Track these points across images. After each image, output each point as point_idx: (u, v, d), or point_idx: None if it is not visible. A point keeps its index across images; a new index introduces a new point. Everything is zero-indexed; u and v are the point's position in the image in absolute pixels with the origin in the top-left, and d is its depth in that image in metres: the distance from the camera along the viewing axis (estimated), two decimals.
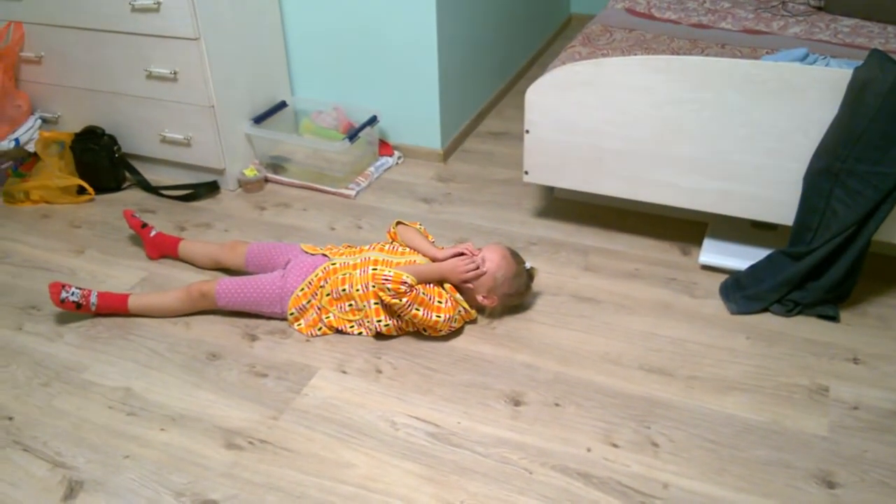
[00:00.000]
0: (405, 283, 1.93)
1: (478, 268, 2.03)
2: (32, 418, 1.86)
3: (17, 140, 2.81)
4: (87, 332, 2.14)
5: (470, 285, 2.05)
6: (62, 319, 2.19)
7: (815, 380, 1.89)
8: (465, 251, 2.08)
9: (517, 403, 1.85)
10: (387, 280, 1.92)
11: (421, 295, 1.97)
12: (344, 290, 2.04)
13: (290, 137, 2.93)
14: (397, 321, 2.03)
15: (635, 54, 2.39)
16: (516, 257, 2.10)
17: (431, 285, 2.03)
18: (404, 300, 1.94)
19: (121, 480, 1.69)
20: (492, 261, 2.05)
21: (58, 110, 2.96)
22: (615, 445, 1.73)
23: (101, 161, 2.79)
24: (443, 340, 2.06)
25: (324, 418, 1.83)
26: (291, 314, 2.10)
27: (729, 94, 2.01)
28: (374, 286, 1.99)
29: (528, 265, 2.12)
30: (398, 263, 2.04)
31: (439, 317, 1.99)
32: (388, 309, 2.01)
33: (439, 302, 2.01)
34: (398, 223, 2.20)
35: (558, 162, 2.31)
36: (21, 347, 2.10)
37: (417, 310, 1.97)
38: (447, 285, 2.05)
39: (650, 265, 2.33)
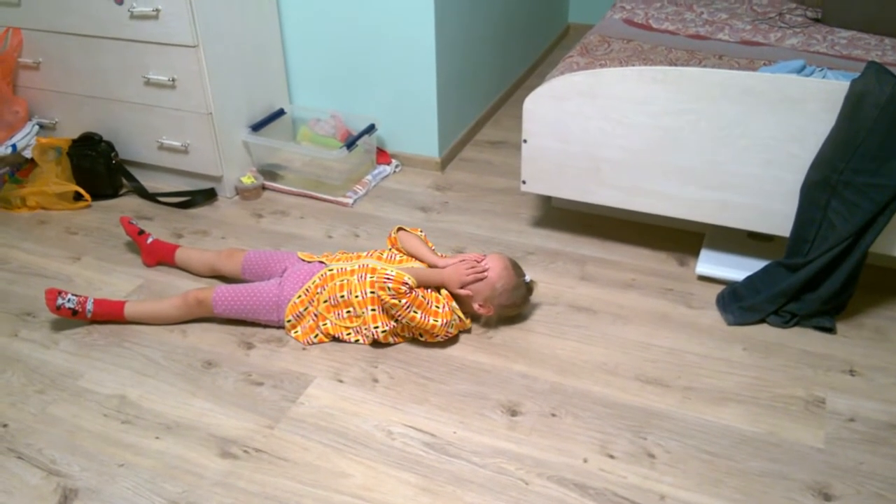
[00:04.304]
0: (406, 283, 1.93)
1: (480, 272, 2.04)
2: (27, 426, 1.86)
3: (14, 146, 2.80)
4: (82, 340, 2.13)
5: (468, 291, 2.04)
6: (58, 326, 2.19)
7: (812, 391, 1.89)
8: (468, 258, 2.08)
9: (514, 413, 1.85)
10: (388, 279, 1.92)
11: (420, 298, 1.97)
12: (342, 296, 2.04)
13: (288, 145, 2.93)
14: (395, 326, 2.03)
15: (633, 65, 2.39)
16: (517, 269, 2.10)
17: (429, 290, 2.03)
18: (403, 301, 1.94)
19: (115, 489, 1.68)
20: (493, 270, 2.05)
21: (55, 116, 2.96)
22: (611, 456, 1.73)
23: (98, 167, 2.79)
24: (439, 349, 2.06)
25: (319, 427, 1.83)
26: (288, 321, 2.09)
27: (726, 105, 2.02)
28: (372, 292, 1.99)
29: (527, 278, 2.11)
30: None
31: (436, 321, 1.99)
32: (387, 312, 2.01)
33: (437, 307, 2.01)
34: (399, 229, 2.19)
35: (556, 171, 2.32)
36: (16, 354, 2.09)
37: (416, 312, 1.96)
38: (444, 292, 2.05)
39: (647, 275, 2.33)
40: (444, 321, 2.00)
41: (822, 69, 2.15)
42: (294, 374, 1.99)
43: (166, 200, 2.81)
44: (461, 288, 2.04)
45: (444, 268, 2.07)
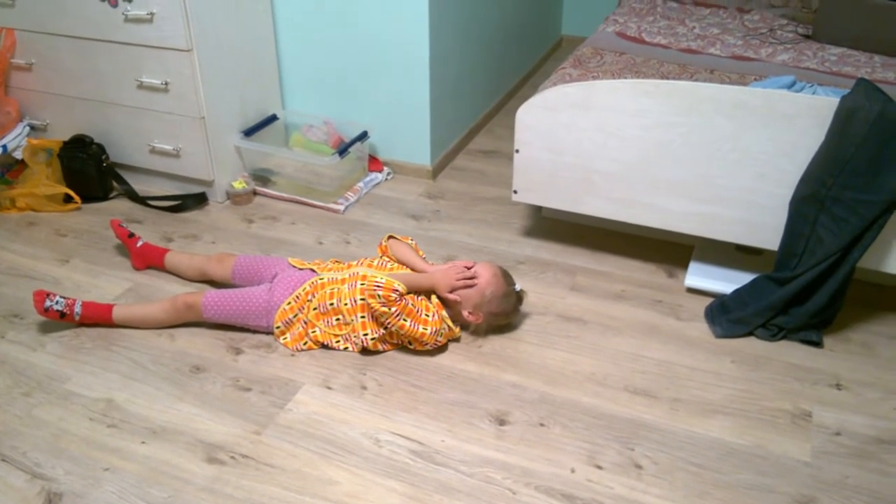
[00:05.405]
0: (396, 290, 1.93)
1: (469, 278, 2.04)
2: (12, 428, 1.84)
3: (4, 147, 2.79)
4: (70, 342, 2.12)
5: (456, 297, 2.05)
6: (45, 328, 2.17)
7: (799, 405, 1.90)
8: (458, 265, 2.08)
9: (502, 423, 1.85)
10: (378, 287, 1.92)
11: (409, 306, 1.97)
12: (332, 304, 2.04)
13: (280, 151, 2.93)
14: (383, 333, 2.02)
15: (625, 77, 2.41)
16: (507, 278, 2.10)
17: (420, 298, 2.03)
18: (393, 309, 1.94)
19: (100, 493, 1.67)
20: (483, 277, 2.05)
21: (47, 118, 2.95)
22: (599, 467, 1.73)
23: (88, 170, 2.78)
24: (429, 358, 2.06)
25: (307, 434, 1.82)
26: (277, 328, 2.09)
27: (717, 119, 2.03)
28: (362, 299, 1.99)
29: (517, 287, 2.12)
30: None
31: (426, 329, 1.99)
32: (376, 320, 2.00)
33: (426, 315, 2.01)
34: (389, 237, 2.20)
35: (547, 182, 2.32)
36: (2, 356, 2.08)
37: (405, 320, 1.96)
38: (434, 300, 2.05)
39: (636, 287, 2.34)
40: (434, 329, 2.00)
41: (812, 85, 2.17)
42: (282, 380, 1.99)
43: (157, 204, 2.80)
44: (450, 292, 2.04)
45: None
